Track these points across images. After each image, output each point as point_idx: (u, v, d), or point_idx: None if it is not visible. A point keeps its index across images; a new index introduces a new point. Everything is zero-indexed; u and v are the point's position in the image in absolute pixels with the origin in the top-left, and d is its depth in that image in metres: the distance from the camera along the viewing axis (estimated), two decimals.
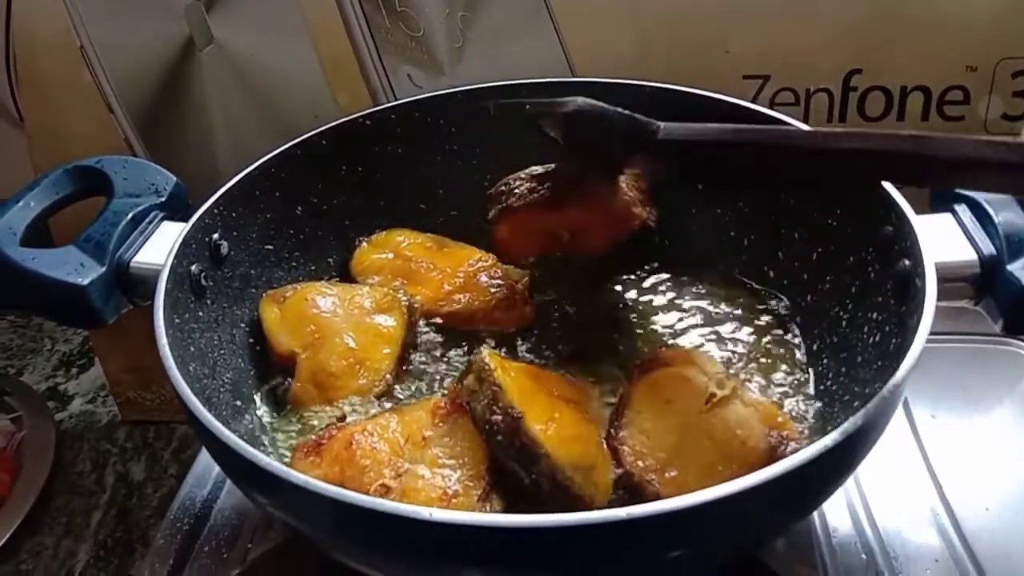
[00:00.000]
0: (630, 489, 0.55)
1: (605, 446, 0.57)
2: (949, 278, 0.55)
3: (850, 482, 0.65)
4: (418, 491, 0.53)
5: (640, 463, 0.55)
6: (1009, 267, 0.55)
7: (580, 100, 0.61)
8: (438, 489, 0.53)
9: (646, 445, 0.56)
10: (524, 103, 0.64)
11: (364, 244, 0.75)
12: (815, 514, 0.62)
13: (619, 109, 0.60)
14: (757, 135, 0.58)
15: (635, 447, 0.56)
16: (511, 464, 0.53)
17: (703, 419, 0.55)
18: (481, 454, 0.54)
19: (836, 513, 0.63)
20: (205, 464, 0.69)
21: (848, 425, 0.44)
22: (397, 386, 0.64)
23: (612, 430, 0.58)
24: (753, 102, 0.71)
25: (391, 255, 0.73)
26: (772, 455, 0.52)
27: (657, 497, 0.53)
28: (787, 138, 0.58)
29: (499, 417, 0.54)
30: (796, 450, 0.47)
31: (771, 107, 0.71)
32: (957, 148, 0.48)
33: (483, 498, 0.53)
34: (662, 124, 0.59)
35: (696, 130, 0.58)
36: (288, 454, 0.60)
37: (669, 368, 0.59)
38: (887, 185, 0.60)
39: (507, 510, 0.53)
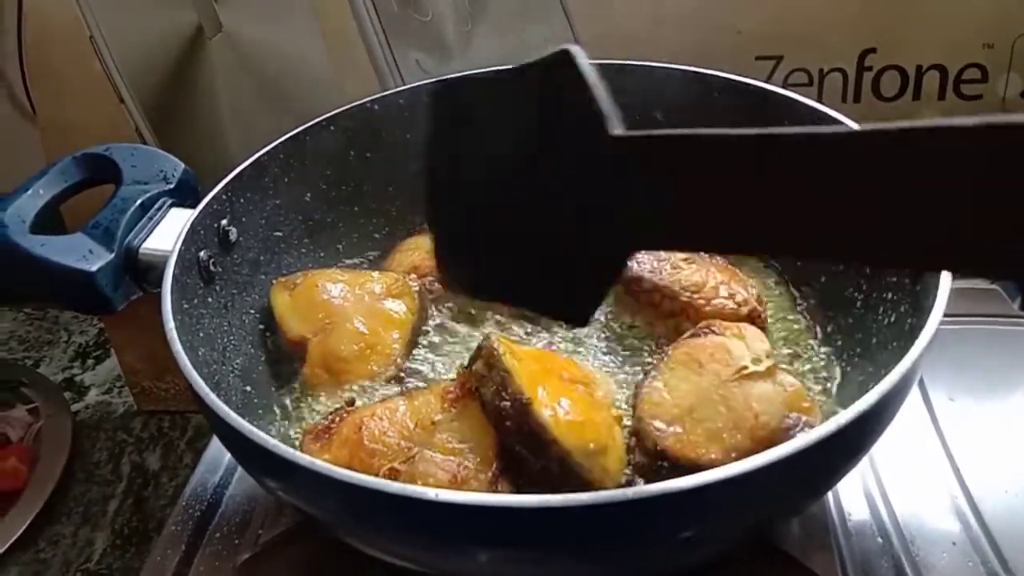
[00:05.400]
0: (635, 435, 0.56)
1: (615, 430, 0.57)
2: None
3: (865, 465, 0.64)
4: (427, 475, 0.52)
5: (650, 411, 0.56)
6: None
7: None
8: (447, 474, 0.53)
9: (664, 399, 0.57)
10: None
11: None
12: (830, 498, 0.62)
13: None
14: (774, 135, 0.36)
15: (653, 397, 0.57)
16: (520, 450, 0.53)
17: (726, 387, 0.56)
18: (490, 439, 0.54)
19: (851, 497, 0.62)
20: (217, 451, 0.69)
21: (860, 405, 0.44)
22: (407, 371, 0.64)
23: (644, 378, 0.59)
24: (767, 83, 0.71)
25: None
26: (783, 435, 0.52)
27: (655, 447, 0.54)
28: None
29: (508, 403, 0.53)
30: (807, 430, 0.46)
31: (785, 88, 0.70)
32: None
33: (492, 483, 0.53)
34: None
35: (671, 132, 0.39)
36: (296, 439, 0.60)
37: (717, 336, 0.59)
38: None
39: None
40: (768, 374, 0.57)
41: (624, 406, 0.60)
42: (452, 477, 0.52)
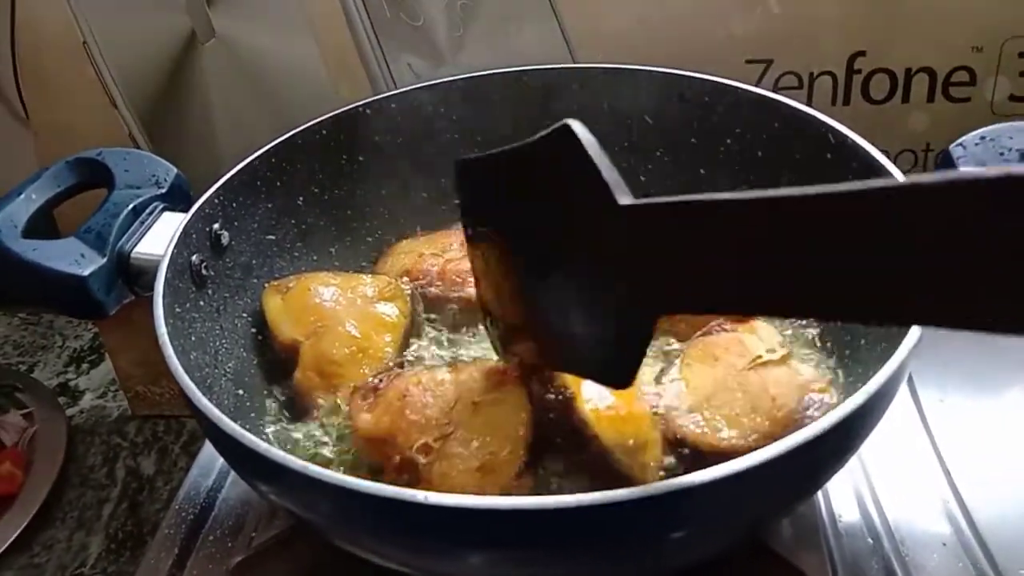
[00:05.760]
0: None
1: (653, 423, 0.56)
2: None
3: (856, 466, 0.64)
4: (455, 457, 0.52)
5: (668, 403, 0.57)
6: None
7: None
8: (476, 460, 0.52)
9: (681, 390, 0.57)
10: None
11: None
12: (820, 498, 0.62)
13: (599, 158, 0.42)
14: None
15: (671, 391, 0.58)
16: (560, 443, 0.53)
17: (742, 375, 0.57)
18: (525, 431, 0.54)
19: (842, 497, 0.62)
20: (210, 455, 0.69)
21: (846, 407, 0.44)
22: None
23: (658, 376, 0.59)
24: (756, 87, 0.71)
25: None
26: (801, 415, 0.53)
27: (674, 436, 0.55)
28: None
29: (552, 396, 0.54)
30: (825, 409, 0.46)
31: (775, 92, 0.70)
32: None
33: (519, 475, 0.52)
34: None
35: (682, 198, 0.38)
36: (288, 443, 0.60)
37: (729, 333, 0.60)
38: (885, 160, 0.59)
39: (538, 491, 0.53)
40: (783, 362, 0.58)
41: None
42: (481, 464, 0.52)
